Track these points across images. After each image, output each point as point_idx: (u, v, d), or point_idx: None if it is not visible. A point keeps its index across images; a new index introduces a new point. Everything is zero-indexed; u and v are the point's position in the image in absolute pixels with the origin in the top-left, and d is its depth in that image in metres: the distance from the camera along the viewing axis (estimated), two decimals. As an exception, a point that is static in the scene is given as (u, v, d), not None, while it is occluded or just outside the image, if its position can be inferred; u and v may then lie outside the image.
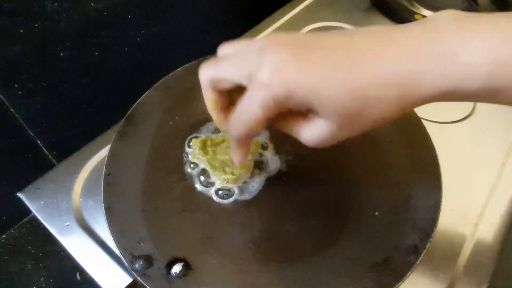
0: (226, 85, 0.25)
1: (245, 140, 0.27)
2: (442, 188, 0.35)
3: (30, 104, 0.48)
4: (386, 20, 0.62)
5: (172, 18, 0.56)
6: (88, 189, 0.41)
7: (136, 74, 0.55)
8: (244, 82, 0.23)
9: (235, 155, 0.29)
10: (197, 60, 0.46)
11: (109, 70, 0.53)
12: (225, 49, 0.26)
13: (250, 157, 0.38)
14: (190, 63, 0.45)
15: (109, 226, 0.32)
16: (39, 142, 0.52)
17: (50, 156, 0.54)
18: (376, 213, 0.35)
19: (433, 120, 0.47)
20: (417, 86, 0.20)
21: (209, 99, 0.26)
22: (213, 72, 0.25)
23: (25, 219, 0.56)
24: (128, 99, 0.43)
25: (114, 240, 0.31)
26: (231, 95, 0.26)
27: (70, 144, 0.48)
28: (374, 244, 0.33)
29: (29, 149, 0.51)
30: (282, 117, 0.24)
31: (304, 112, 0.23)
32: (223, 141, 0.39)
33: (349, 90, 0.20)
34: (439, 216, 0.32)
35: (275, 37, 0.22)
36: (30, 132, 0.50)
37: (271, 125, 0.25)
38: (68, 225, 0.38)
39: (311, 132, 0.23)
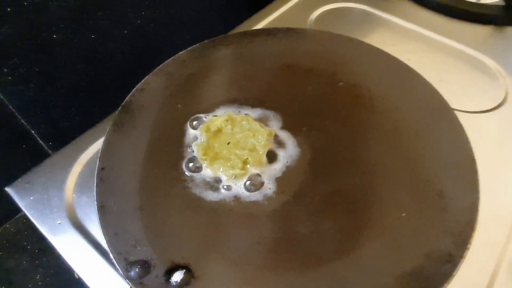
0: None
1: None
2: (479, 185, 0.30)
3: (22, 91, 0.45)
4: (406, 1, 0.57)
5: (175, -1, 0.52)
6: (82, 184, 0.37)
7: (137, 59, 0.52)
8: None
9: None
10: (201, 42, 0.42)
11: (107, 55, 0.50)
12: None
13: (261, 151, 0.34)
14: (193, 46, 0.41)
15: (101, 227, 0.29)
16: (33, 132, 0.49)
17: (46, 147, 0.52)
18: (403, 214, 0.31)
19: (460, 109, 0.42)
20: None
21: None
22: None
23: (21, 213, 0.53)
24: (129, 86, 0.41)
25: (107, 243, 0.28)
26: None
27: (67, 134, 0.46)
28: (402, 250, 0.29)
29: (23, 140, 0.49)
30: None
31: None
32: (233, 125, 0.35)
33: None
34: (477, 219, 0.28)
35: None
36: (23, 121, 0.47)
37: None
38: (59, 223, 0.35)
39: None
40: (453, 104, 0.39)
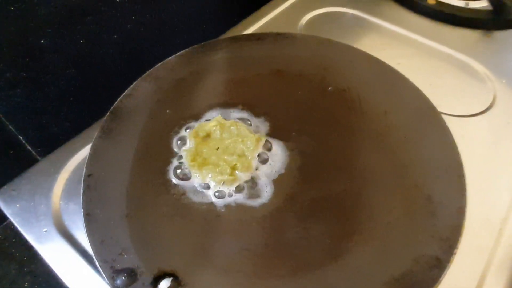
0: None
1: None
2: (466, 190, 0.30)
3: (9, 96, 0.44)
4: (396, 6, 0.57)
5: (166, 4, 0.53)
6: (69, 191, 0.37)
7: (127, 64, 0.52)
8: None
9: None
10: (191, 47, 0.42)
11: (96, 60, 0.49)
12: None
13: (250, 156, 0.34)
14: (182, 51, 0.41)
15: (88, 235, 0.29)
16: (21, 137, 0.48)
17: (34, 153, 0.51)
18: (392, 219, 0.31)
19: (449, 113, 0.42)
20: None
21: None
22: None
23: (8, 220, 0.52)
24: (118, 90, 0.40)
25: (93, 251, 0.28)
26: None
27: (56, 140, 0.45)
28: (390, 255, 0.29)
29: (11, 145, 0.48)
30: None
31: None
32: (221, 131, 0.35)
33: None
34: (464, 224, 0.28)
35: None
36: (10, 127, 0.46)
37: None
38: (46, 231, 0.34)
39: None
40: (441, 108, 0.39)
